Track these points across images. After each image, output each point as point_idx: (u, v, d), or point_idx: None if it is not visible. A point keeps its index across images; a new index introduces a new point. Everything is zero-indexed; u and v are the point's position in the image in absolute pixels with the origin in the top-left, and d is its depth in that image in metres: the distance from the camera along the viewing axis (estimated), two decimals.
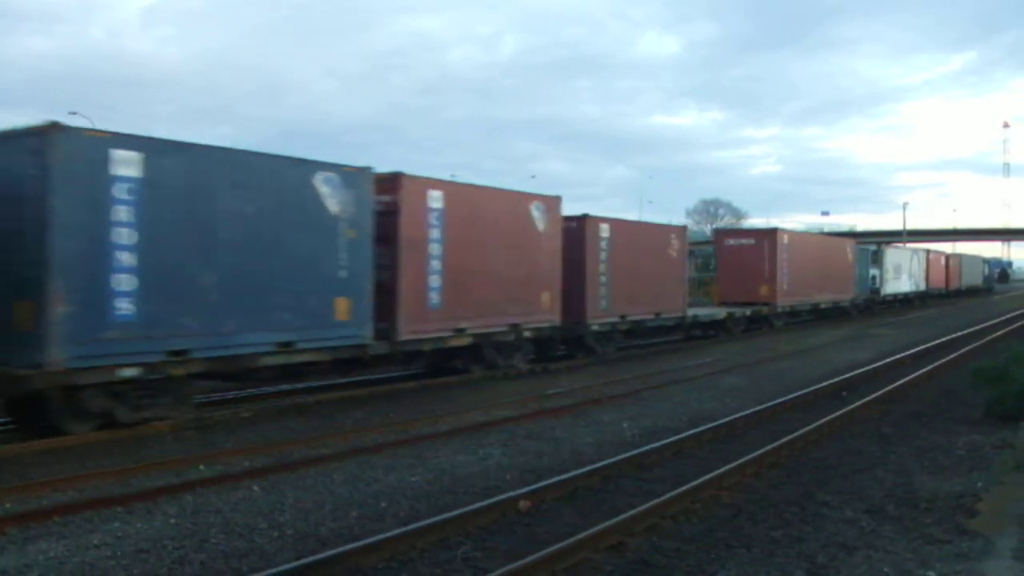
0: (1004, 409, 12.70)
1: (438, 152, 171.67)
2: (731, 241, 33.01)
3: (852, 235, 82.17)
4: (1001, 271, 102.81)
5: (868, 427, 12.59)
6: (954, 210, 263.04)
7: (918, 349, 23.47)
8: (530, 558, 6.50)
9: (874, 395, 14.75)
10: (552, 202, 19.26)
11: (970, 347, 24.01)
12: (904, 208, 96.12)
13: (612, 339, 22.16)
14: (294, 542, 7.37)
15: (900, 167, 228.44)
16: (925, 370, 18.51)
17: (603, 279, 21.06)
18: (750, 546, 7.23)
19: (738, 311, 29.11)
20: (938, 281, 55.60)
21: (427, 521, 7.51)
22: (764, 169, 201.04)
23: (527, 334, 18.45)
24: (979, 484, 9.01)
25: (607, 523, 7.37)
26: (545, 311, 18.90)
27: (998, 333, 29.33)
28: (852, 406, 13.61)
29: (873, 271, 42.51)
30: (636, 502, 8.21)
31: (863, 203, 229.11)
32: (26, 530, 7.56)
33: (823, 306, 35.75)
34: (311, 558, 6.61)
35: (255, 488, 9.03)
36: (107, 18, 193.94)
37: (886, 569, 6.63)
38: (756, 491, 9.00)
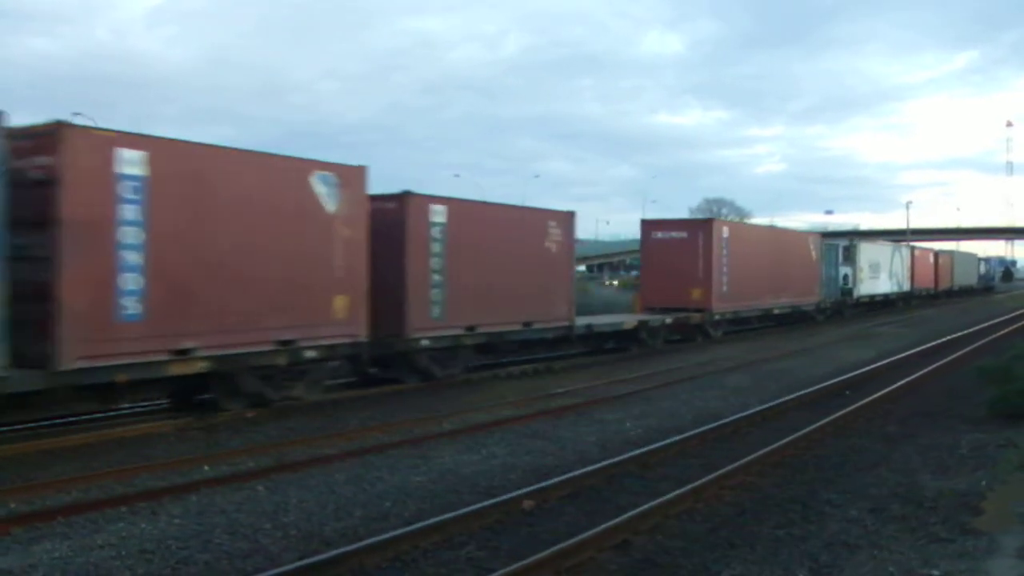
0: (1008, 408, 12.67)
1: (440, 151, 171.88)
2: (659, 234, 26.96)
3: (857, 234, 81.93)
4: (1005, 270, 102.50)
5: (872, 426, 12.58)
6: (958, 209, 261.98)
7: (921, 348, 23.43)
8: (534, 557, 6.50)
9: (878, 394, 14.74)
10: (349, 174, 14.21)
11: (973, 346, 23.99)
12: (908, 207, 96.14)
13: (457, 357, 17.13)
14: (298, 542, 7.38)
15: (904, 166, 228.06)
16: (928, 369, 18.48)
17: (436, 279, 16.14)
18: (754, 545, 7.23)
19: (655, 319, 24.17)
20: (925, 281, 51.36)
21: (431, 521, 7.51)
22: (768, 168, 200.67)
23: (311, 355, 13.58)
24: (983, 483, 9.00)
25: (612, 522, 7.38)
26: (340, 322, 13.97)
27: (1002, 332, 29.26)
28: (856, 405, 13.60)
29: (845, 270, 37.98)
30: (640, 501, 8.21)
31: (867, 202, 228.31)
32: (31, 530, 7.57)
33: (778, 311, 30.67)
34: (315, 558, 6.63)
35: (259, 488, 9.04)
36: (112, 18, 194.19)
37: (890, 568, 6.62)
38: (760, 490, 9.00)
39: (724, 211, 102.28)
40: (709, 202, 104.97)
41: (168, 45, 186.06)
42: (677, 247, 26.19)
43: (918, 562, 6.73)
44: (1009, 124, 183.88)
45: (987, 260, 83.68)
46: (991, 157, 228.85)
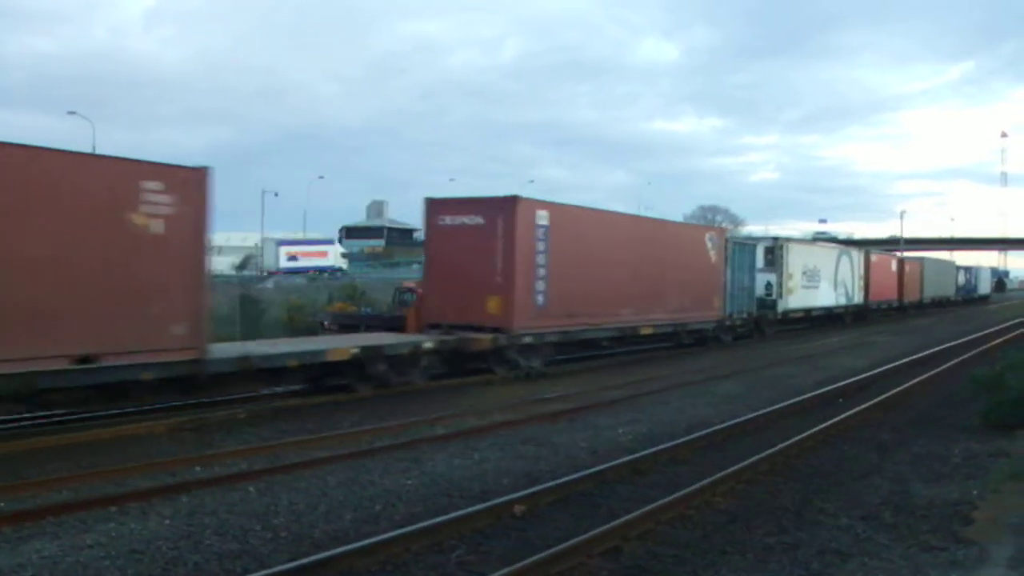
0: (1000, 417, 12.71)
1: (439, 156, 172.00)
2: (446, 219, 18.55)
3: (851, 243, 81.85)
4: (998, 280, 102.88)
5: (864, 434, 12.57)
6: (952, 219, 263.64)
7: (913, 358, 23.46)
8: (525, 562, 6.49)
9: (871, 402, 14.74)
10: None
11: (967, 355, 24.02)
12: (902, 216, 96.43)
13: None
14: (288, 544, 7.36)
15: (898, 176, 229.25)
16: (922, 378, 18.48)
17: None
18: (745, 552, 7.22)
19: (402, 343, 16.18)
20: (885, 292, 43.66)
21: (421, 524, 7.50)
22: (763, 176, 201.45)
23: None
24: (975, 492, 9.02)
25: (602, 528, 7.37)
26: None
27: (995, 342, 29.27)
28: (848, 413, 13.61)
29: (767, 277, 30.14)
30: (631, 507, 8.20)
31: (861, 211, 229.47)
32: (20, 529, 7.54)
33: (647, 331, 22.17)
34: (305, 560, 6.60)
35: (250, 490, 9.02)
36: (110, 18, 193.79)
37: None
38: (752, 497, 8.99)
39: (719, 218, 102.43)
40: (704, 209, 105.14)
41: (165, 46, 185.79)
42: (470, 238, 18.14)
43: (909, 571, 6.73)
44: (1004, 135, 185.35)
45: (967, 269, 72.34)
46: (986, 168, 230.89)
